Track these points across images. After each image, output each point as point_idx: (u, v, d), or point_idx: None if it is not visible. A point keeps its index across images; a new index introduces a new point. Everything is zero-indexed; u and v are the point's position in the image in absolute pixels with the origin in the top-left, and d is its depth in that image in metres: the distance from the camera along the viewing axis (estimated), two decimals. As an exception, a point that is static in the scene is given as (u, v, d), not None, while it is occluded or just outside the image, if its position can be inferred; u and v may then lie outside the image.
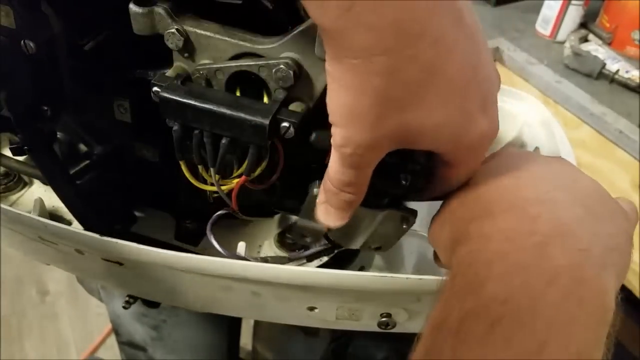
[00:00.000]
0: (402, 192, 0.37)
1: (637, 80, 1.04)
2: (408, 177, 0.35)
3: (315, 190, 0.38)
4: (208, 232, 0.42)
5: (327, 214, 0.34)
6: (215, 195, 0.40)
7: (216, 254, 0.42)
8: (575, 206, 0.29)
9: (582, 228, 0.28)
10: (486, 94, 0.30)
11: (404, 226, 0.40)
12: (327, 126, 0.30)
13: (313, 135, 0.36)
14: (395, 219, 0.39)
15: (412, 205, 0.40)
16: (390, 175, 0.35)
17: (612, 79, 1.05)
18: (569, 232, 0.28)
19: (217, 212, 0.43)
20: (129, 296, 0.53)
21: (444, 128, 0.29)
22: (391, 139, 0.29)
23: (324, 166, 0.33)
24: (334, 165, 0.31)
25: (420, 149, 0.31)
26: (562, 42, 1.15)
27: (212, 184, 0.38)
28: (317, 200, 0.34)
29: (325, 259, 0.46)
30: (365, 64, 0.25)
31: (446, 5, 0.26)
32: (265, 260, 0.45)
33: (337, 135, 0.29)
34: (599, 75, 1.06)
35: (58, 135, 0.47)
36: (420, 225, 0.50)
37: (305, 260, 0.46)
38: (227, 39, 0.34)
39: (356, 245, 0.42)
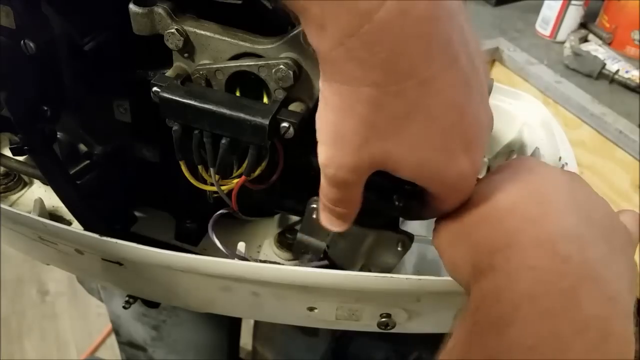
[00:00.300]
0: (397, 213, 0.37)
1: (637, 80, 1.04)
2: (402, 198, 0.36)
3: (313, 205, 0.38)
4: (210, 231, 0.42)
5: (329, 221, 0.35)
6: (215, 195, 0.40)
7: (217, 253, 0.42)
8: (599, 242, 0.29)
9: (608, 270, 0.28)
10: (471, 138, 0.30)
11: (400, 249, 0.40)
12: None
13: (313, 160, 0.37)
14: (392, 241, 0.40)
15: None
16: (383, 195, 0.35)
17: (612, 79, 1.05)
18: (598, 276, 0.27)
19: (217, 212, 0.43)
20: (129, 296, 0.53)
21: (424, 164, 0.29)
22: (373, 164, 0.29)
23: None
24: (322, 183, 0.32)
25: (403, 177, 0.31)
26: (562, 42, 1.15)
27: (211, 184, 0.38)
28: (320, 208, 0.35)
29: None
30: (352, 90, 0.26)
31: (440, 50, 0.26)
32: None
33: (322, 154, 0.30)
34: (599, 75, 1.06)
35: (58, 135, 0.47)
36: (420, 227, 0.50)
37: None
38: (226, 39, 0.34)
39: (355, 267, 0.42)
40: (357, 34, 0.24)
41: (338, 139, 0.29)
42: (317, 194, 0.34)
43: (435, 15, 0.25)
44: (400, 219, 0.42)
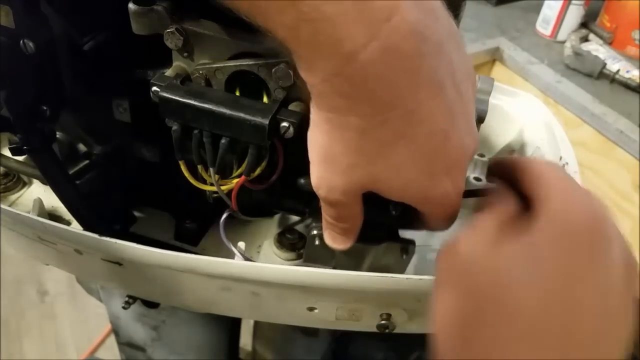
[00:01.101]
0: (396, 223, 0.37)
1: (638, 80, 1.04)
2: (398, 207, 0.36)
3: (313, 232, 0.38)
4: (222, 233, 0.42)
5: (332, 239, 0.36)
6: (215, 195, 0.39)
7: (217, 253, 0.42)
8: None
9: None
10: (453, 161, 0.31)
11: (404, 256, 0.40)
12: None
13: (302, 180, 0.38)
14: (395, 251, 0.40)
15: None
16: (380, 206, 0.35)
17: (613, 79, 1.05)
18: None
19: (216, 212, 0.43)
20: (129, 296, 0.53)
21: (409, 186, 0.30)
22: (362, 186, 0.31)
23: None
24: (322, 203, 0.33)
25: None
26: (563, 42, 1.15)
27: (211, 184, 0.38)
28: (323, 226, 0.36)
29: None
30: (339, 119, 0.28)
31: (426, 82, 0.27)
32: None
33: (313, 174, 0.31)
34: (600, 75, 1.06)
35: (58, 135, 0.47)
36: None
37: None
38: (226, 38, 0.34)
39: None
40: (342, 73, 0.25)
41: (327, 161, 0.30)
42: (316, 195, 0.34)
43: (421, 52, 0.26)
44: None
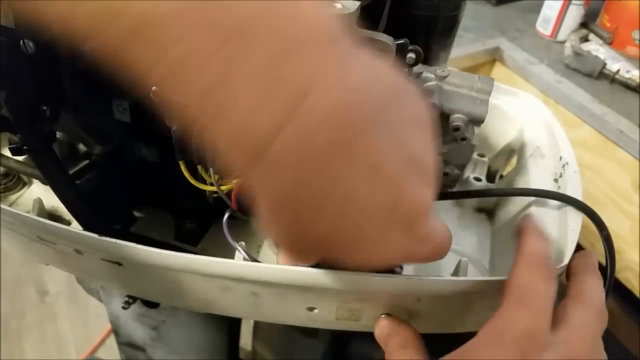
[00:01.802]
0: None
1: (638, 80, 1.04)
2: None
3: None
4: (226, 232, 0.42)
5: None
6: (215, 195, 0.39)
7: (217, 253, 0.41)
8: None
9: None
10: (411, 220, 0.26)
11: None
12: None
13: None
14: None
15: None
16: None
17: (613, 79, 1.05)
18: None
19: (216, 212, 0.43)
20: (129, 296, 0.53)
21: (366, 264, 0.28)
22: (317, 255, 0.30)
23: None
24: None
25: None
26: (563, 42, 1.15)
27: (211, 184, 0.38)
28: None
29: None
30: (269, 229, 0.26)
31: (356, 166, 0.22)
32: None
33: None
34: (600, 75, 1.06)
35: (58, 135, 0.47)
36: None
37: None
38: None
39: None
40: (253, 172, 0.22)
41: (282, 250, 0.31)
42: None
43: (346, 136, 0.21)
44: None
